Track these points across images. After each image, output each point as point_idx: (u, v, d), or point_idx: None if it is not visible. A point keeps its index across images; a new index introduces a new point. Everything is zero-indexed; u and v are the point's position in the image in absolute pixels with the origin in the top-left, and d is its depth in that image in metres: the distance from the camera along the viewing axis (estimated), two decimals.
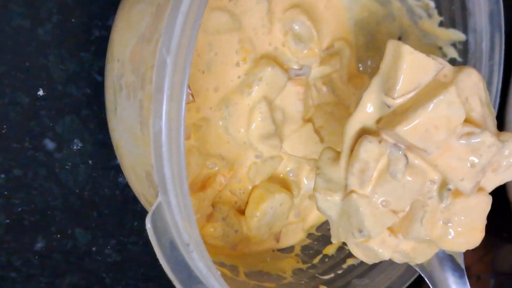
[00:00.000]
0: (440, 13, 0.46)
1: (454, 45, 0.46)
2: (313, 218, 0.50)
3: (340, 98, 0.49)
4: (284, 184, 0.48)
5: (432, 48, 0.48)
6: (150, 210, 0.30)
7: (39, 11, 0.42)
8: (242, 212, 0.47)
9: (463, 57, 0.46)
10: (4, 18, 0.41)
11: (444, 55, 0.47)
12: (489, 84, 0.45)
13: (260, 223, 0.46)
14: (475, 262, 0.53)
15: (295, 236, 0.49)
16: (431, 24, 0.47)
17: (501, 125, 0.49)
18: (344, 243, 0.48)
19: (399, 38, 0.49)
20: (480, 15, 0.44)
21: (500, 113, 0.47)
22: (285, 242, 0.49)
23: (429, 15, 0.47)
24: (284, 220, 0.48)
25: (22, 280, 0.45)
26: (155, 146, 0.30)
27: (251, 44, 0.44)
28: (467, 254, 0.51)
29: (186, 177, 0.30)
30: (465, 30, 0.45)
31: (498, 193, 0.51)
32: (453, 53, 0.46)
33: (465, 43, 0.46)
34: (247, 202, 0.47)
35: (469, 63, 0.45)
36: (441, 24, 0.47)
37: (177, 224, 0.31)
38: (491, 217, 0.53)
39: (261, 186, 0.47)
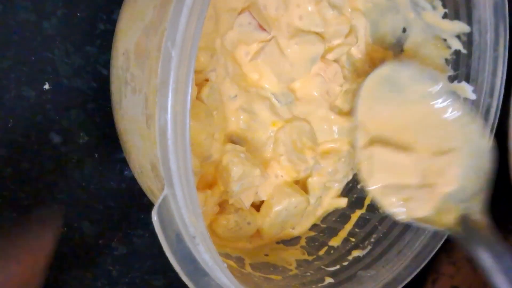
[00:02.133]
0: (444, 5, 0.46)
1: (458, 36, 0.46)
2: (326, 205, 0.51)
3: (359, 74, 0.50)
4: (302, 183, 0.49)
5: (436, 40, 0.48)
6: (156, 203, 0.31)
7: (44, 5, 0.42)
8: (257, 207, 0.47)
9: (468, 48, 0.46)
10: (10, 12, 0.41)
11: (448, 47, 0.47)
12: (493, 76, 0.45)
13: (272, 222, 0.47)
14: None
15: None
16: (435, 16, 0.47)
17: (505, 116, 0.49)
18: (350, 235, 0.48)
19: (404, 30, 0.49)
20: (485, 6, 0.43)
21: (505, 104, 0.47)
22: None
23: (434, 7, 0.47)
24: (298, 219, 0.48)
25: None
26: (160, 139, 0.30)
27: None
28: None
29: (191, 170, 0.30)
30: (469, 22, 0.45)
31: (503, 186, 0.51)
32: (457, 45, 0.46)
33: (470, 35, 0.45)
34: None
35: (474, 55, 0.45)
36: (445, 16, 0.46)
37: (183, 217, 0.31)
38: (496, 209, 0.53)
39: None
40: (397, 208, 0.45)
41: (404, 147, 0.45)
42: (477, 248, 0.40)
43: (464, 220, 0.43)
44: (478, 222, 0.43)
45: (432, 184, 0.45)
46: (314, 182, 0.49)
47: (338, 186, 0.51)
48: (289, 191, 0.46)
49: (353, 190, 0.52)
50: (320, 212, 0.51)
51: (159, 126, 0.30)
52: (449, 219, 0.44)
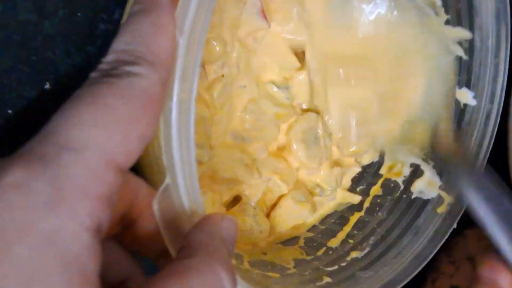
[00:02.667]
0: (446, 11, 0.46)
1: (460, 43, 0.46)
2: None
3: None
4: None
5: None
6: (157, 192, 0.30)
7: (45, 5, 0.42)
8: (267, 213, 0.48)
9: (469, 55, 0.46)
10: (11, 12, 0.41)
11: (450, 53, 0.47)
12: (494, 81, 0.45)
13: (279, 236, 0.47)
14: (480, 253, 0.52)
15: None
16: (438, 22, 0.47)
17: (505, 116, 0.49)
18: (348, 237, 0.49)
19: None
20: (487, 13, 0.43)
21: (505, 104, 0.47)
22: None
23: (436, 13, 0.47)
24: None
25: None
26: (164, 127, 0.30)
27: None
28: (473, 243, 0.51)
29: (194, 159, 0.30)
30: (471, 28, 0.45)
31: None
32: (459, 51, 0.46)
33: (471, 41, 0.46)
34: (273, 205, 0.48)
35: (475, 61, 0.46)
36: (447, 22, 0.47)
37: (184, 206, 0.30)
38: None
39: (289, 196, 0.48)
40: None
41: (360, 78, 0.46)
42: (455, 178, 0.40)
43: (435, 142, 0.44)
44: (450, 143, 0.43)
45: (394, 109, 0.46)
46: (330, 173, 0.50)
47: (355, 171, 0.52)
48: (295, 208, 0.47)
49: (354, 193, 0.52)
50: (333, 204, 0.51)
51: (163, 114, 0.29)
52: (418, 139, 0.44)
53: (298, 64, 0.46)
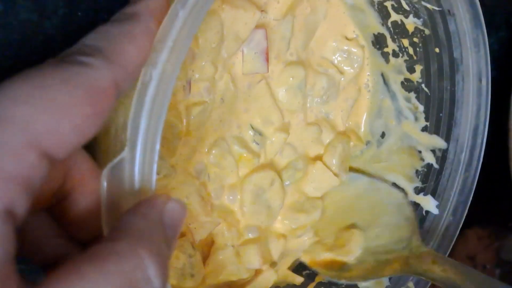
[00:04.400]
0: (427, 118, 0.47)
1: (433, 151, 0.47)
2: None
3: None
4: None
5: (411, 150, 0.48)
6: (110, 163, 0.28)
7: (45, 5, 0.42)
8: (205, 256, 0.45)
9: (440, 164, 0.46)
10: (11, 11, 0.41)
11: (421, 159, 0.48)
12: (460, 195, 0.45)
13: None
14: (480, 252, 0.53)
15: None
16: (415, 127, 0.48)
17: (505, 116, 0.49)
18: None
19: (382, 136, 0.50)
20: (465, 127, 0.44)
21: (505, 104, 0.47)
22: None
23: (416, 118, 0.48)
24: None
25: None
26: (139, 94, 0.28)
27: None
28: (473, 244, 0.53)
29: (160, 136, 0.29)
30: (447, 139, 0.46)
31: (503, 184, 0.50)
32: (431, 159, 0.47)
33: (445, 151, 0.46)
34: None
35: (445, 171, 0.46)
36: (425, 129, 0.48)
37: (134, 184, 0.28)
38: (496, 207, 0.53)
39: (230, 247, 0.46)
40: None
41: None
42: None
43: (409, 260, 0.43)
44: (425, 253, 0.43)
45: None
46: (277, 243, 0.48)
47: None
48: (232, 261, 0.44)
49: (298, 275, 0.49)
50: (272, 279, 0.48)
51: (142, 81, 0.28)
52: (394, 266, 0.44)
53: (281, 123, 0.46)
